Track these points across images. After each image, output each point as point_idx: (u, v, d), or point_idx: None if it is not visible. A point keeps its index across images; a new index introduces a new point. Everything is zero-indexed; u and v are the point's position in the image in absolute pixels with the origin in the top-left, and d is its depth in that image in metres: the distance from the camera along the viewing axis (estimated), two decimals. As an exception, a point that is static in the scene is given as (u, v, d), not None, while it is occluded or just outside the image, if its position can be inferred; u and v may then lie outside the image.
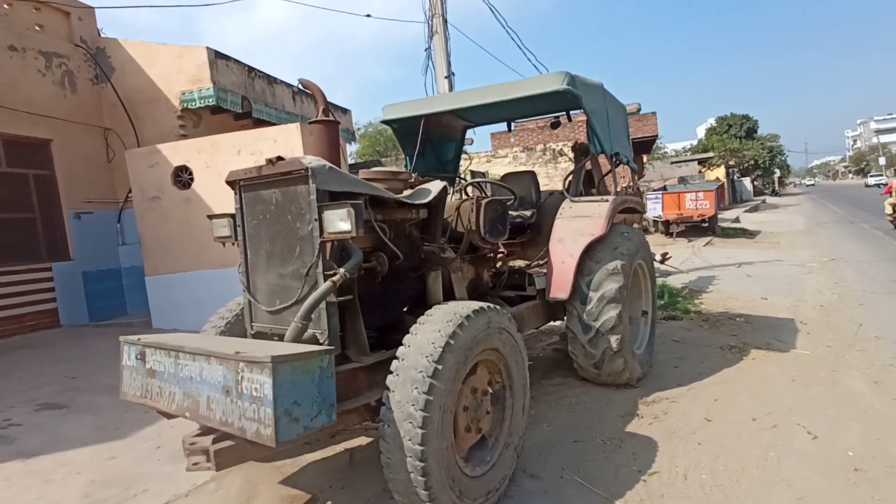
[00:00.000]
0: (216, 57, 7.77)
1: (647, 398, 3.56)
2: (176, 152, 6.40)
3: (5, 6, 7.13)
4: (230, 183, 2.67)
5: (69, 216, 7.62)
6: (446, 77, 7.38)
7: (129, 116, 7.92)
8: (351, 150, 29.73)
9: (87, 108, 8.01)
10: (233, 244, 2.76)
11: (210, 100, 7.56)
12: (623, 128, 4.64)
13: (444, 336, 2.12)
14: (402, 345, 2.20)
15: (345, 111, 11.43)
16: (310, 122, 3.00)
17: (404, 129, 4.41)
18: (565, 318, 3.73)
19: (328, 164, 2.41)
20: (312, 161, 2.36)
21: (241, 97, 8.09)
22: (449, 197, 4.76)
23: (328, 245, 2.36)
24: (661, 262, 8.81)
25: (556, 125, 4.94)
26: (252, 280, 2.67)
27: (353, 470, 2.84)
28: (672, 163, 32.55)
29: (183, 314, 6.25)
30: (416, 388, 2.02)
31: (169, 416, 2.35)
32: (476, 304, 2.36)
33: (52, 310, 7.33)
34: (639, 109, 21.90)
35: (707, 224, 15.31)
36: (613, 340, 3.49)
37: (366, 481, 2.68)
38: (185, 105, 7.73)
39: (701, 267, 9.59)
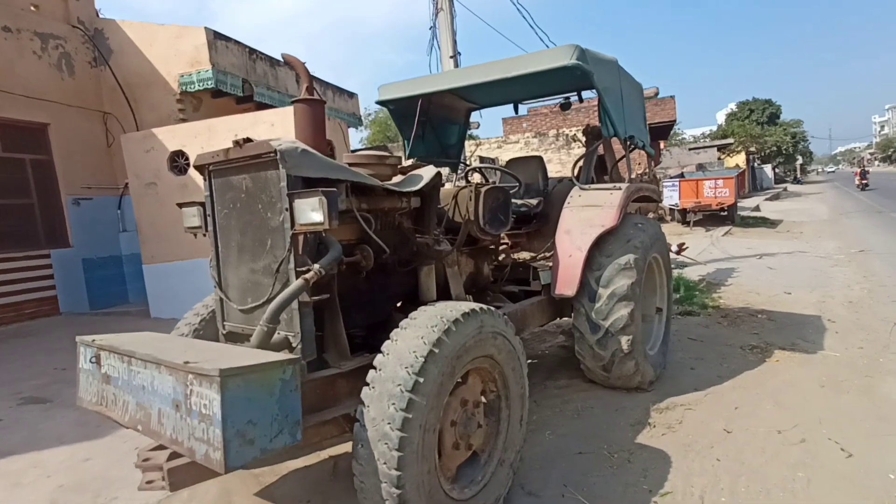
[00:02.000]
0: (215, 38, 7.52)
1: (660, 404, 3.28)
2: (172, 137, 6.19)
3: (-1, -15, 6.94)
4: (198, 168, 2.44)
5: (68, 202, 7.49)
6: (452, 57, 7.03)
7: (127, 100, 7.73)
8: (361, 136, 29.42)
9: (86, 92, 7.82)
10: (203, 235, 2.53)
11: (209, 82, 7.32)
12: (639, 109, 4.29)
13: (427, 344, 1.86)
14: (380, 352, 1.95)
15: (351, 95, 11.13)
16: (292, 102, 2.75)
17: (402, 110, 4.12)
18: (572, 315, 3.45)
19: (301, 146, 2.15)
20: (283, 143, 2.10)
21: (241, 80, 7.84)
22: (451, 184, 4.50)
23: (300, 238, 2.10)
24: (678, 252, 8.44)
25: (566, 106, 4.61)
26: (223, 275, 2.45)
27: (336, 482, 2.62)
28: (690, 149, 31.70)
29: (181, 303, 6.02)
30: (394, 404, 1.77)
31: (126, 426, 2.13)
32: (466, 306, 2.09)
33: (51, 297, 7.23)
34: (657, 94, 21.20)
35: (726, 213, 14.79)
36: (624, 341, 3.21)
37: (349, 494, 2.43)
38: (184, 88, 7.51)
39: (719, 258, 9.19)
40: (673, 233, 12.96)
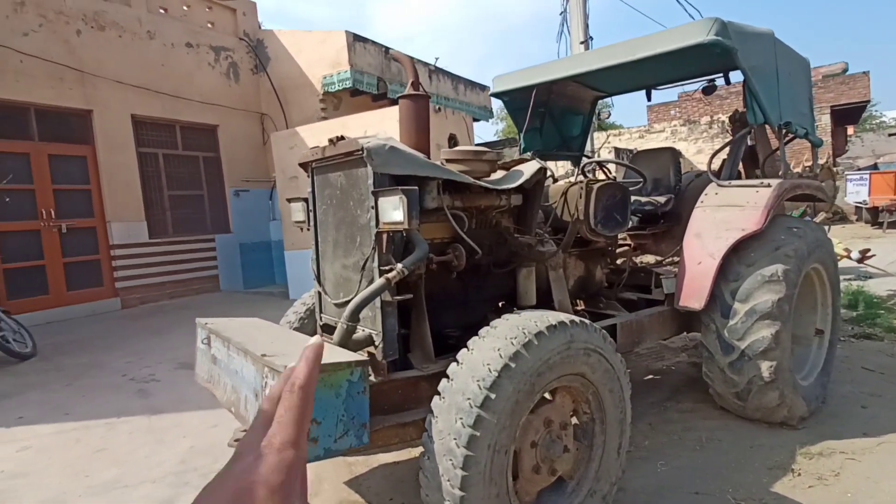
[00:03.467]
0: (354, 40, 7.98)
1: (811, 447, 2.70)
2: (311, 134, 6.69)
3: (184, 7, 8.12)
4: (303, 165, 2.53)
5: (230, 193, 8.59)
6: (582, 43, 6.58)
7: (280, 102, 8.58)
8: (497, 129, 29.43)
9: (248, 96, 8.87)
10: (307, 229, 2.63)
11: (347, 82, 7.81)
12: (801, 90, 3.58)
13: (502, 358, 1.70)
14: (455, 360, 1.83)
15: (483, 88, 11.11)
16: (398, 97, 2.73)
17: (518, 102, 3.93)
18: (701, 331, 3.00)
19: (390, 143, 2.10)
20: (371, 141, 2.07)
21: (376, 78, 8.23)
22: (573, 178, 4.20)
23: (384, 236, 2.06)
24: (859, 261, 7.05)
25: (709, 90, 4.02)
26: (322, 269, 2.52)
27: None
28: (891, 135, 26.41)
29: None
30: (461, 418, 1.64)
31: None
32: (554, 318, 1.88)
33: (214, 276, 8.38)
34: (845, 70, 18.05)
35: (937, 213, 12.04)
36: (765, 367, 2.70)
37: (431, 500, 2.38)
38: (326, 89, 8.11)
39: (919, 269, 7.47)
40: (858, 236, 10.90)
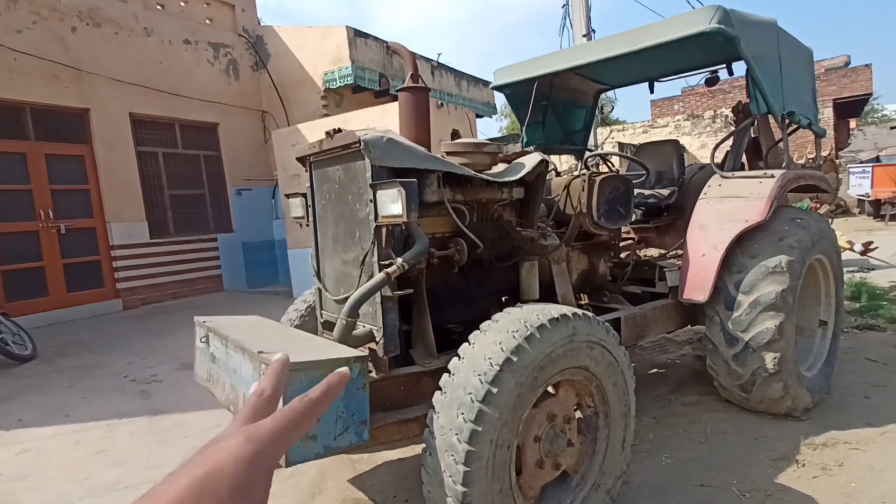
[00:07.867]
0: (355, 35, 7.94)
1: (815, 438, 2.68)
2: (313, 131, 6.66)
3: (182, 3, 8.08)
4: (300, 159, 2.51)
5: (232, 192, 8.56)
6: (585, 35, 6.52)
7: (280, 99, 8.55)
8: (500, 125, 29.40)
9: (248, 94, 8.84)
10: (307, 225, 2.61)
11: (348, 79, 7.76)
12: (804, 79, 3.54)
13: (504, 351, 1.68)
14: (457, 355, 1.81)
15: (486, 84, 11.06)
16: (397, 90, 2.71)
17: (519, 96, 3.90)
18: (705, 324, 2.98)
19: (388, 135, 2.08)
20: (369, 133, 2.04)
21: (378, 74, 8.19)
22: (576, 172, 4.18)
23: (384, 230, 2.04)
24: (863, 253, 7.01)
25: (712, 81, 3.98)
26: (322, 265, 2.50)
27: (425, 480, 2.55)
28: (893, 128, 26.25)
29: (317, 286, 6.55)
30: (463, 413, 1.62)
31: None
32: (556, 310, 1.86)
33: (217, 276, 8.36)
34: (847, 63, 17.93)
35: (940, 205, 11.97)
36: (769, 359, 2.68)
37: (434, 496, 2.36)
38: (327, 85, 8.06)
39: (923, 261, 7.42)
40: (861, 228, 10.85)
